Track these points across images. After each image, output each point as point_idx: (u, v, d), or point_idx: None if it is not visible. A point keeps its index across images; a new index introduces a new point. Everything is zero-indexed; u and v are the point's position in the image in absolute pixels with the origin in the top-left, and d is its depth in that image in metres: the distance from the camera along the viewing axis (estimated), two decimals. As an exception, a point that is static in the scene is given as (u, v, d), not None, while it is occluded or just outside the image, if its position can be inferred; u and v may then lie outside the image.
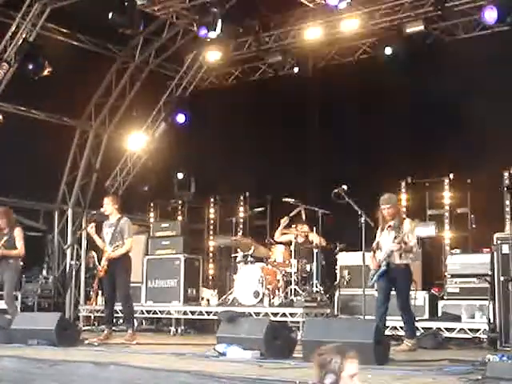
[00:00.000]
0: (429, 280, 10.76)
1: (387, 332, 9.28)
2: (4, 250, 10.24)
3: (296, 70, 13.95)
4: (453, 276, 10.34)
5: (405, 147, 12.25)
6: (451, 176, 12.42)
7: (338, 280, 11.38)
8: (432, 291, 10.66)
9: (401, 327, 9.95)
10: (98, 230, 10.39)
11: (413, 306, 9.91)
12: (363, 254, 8.98)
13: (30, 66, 12.40)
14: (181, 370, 6.10)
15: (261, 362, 6.78)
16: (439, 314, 10.27)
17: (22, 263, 10.62)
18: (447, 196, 12.55)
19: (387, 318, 9.85)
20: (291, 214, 11.94)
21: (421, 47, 12.74)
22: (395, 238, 8.66)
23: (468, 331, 9.67)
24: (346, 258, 11.35)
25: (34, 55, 12.45)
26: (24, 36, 12.53)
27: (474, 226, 12.06)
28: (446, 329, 9.76)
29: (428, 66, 12.48)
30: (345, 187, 9.08)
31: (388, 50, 12.80)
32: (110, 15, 11.62)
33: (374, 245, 8.96)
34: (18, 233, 10.48)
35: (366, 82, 12.87)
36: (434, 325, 9.86)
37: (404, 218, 8.99)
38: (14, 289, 10.68)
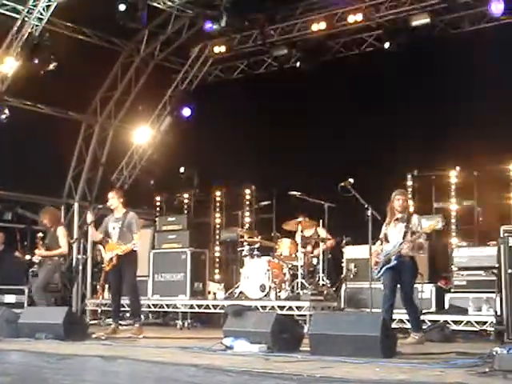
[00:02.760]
0: (435, 273, 10.76)
1: (394, 325, 9.28)
2: (44, 250, 10.49)
3: (298, 64, 13.93)
4: (460, 269, 10.33)
5: (411, 140, 12.22)
6: (458, 169, 12.40)
7: (344, 273, 11.38)
8: (439, 284, 10.66)
9: (407, 320, 9.96)
10: (99, 224, 10.42)
11: (419, 298, 9.96)
12: (370, 248, 8.98)
13: (36, 61, 12.40)
14: (189, 364, 6.09)
15: (268, 355, 6.77)
16: (446, 307, 10.27)
17: (63, 261, 10.92)
18: (453, 189, 12.52)
19: (394, 310, 9.89)
20: None
21: (426, 40, 12.72)
22: (405, 233, 8.65)
23: (475, 324, 9.67)
24: (352, 252, 11.35)
25: (40, 50, 12.44)
26: (29, 31, 12.52)
27: (480, 218, 12.05)
28: (453, 321, 9.76)
29: (433, 58, 12.44)
30: (351, 180, 9.08)
31: (392, 44, 12.77)
32: (116, 9, 11.61)
33: (382, 236, 8.97)
34: (60, 232, 10.59)
35: (372, 75, 12.86)
36: (440, 318, 9.86)
37: (412, 213, 8.99)
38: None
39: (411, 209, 10.16)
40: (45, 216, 10.89)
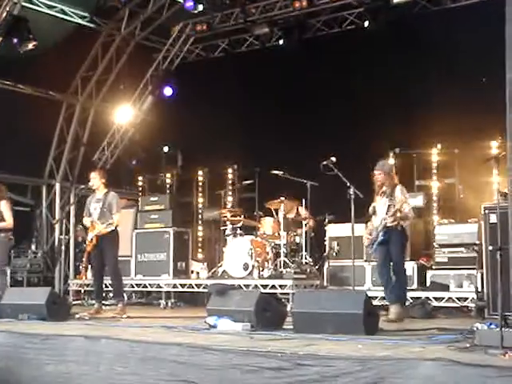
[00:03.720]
0: (417, 250, 10.82)
1: (376, 302, 9.35)
2: None
3: (281, 41, 13.90)
4: (441, 246, 10.41)
5: (392, 118, 12.24)
6: (439, 146, 12.44)
7: (327, 251, 11.44)
8: (420, 261, 10.74)
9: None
10: (83, 204, 10.38)
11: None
12: (352, 226, 9.04)
13: (15, 40, 12.27)
14: (173, 343, 6.12)
15: (252, 333, 6.81)
16: (428, 284, 10.35)
17: (11, 236, 10.47)
18: (435, 166, 12.58)
19: (376, 288, 9.99)
20: None
21: (407, 17, 12.71)
22: (389, 206, 8.66)
23: (456, 300, 9.76)
24: (334, 230, 11.40)
25: (19, 29, 12.30)
26: (8, 9, 12.37)
27: (461, 196, 12.13)
28: (435, 298, 9.85)
29: (414, 35, 12.43)
30: (333, 159, 9.10)
31: (372, 22, 12.76)
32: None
33: (371, 209, 9.01)
34: (4, 206, 10.40)
35: (353, 54, 12.86)
36: (422, 294, 9.93)
37: (396, 185, 8.93)
38: (3, 263, 10.57)
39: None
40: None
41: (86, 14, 14.29)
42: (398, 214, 8.61)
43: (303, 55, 13.58)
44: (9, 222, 10.32)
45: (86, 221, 10.09)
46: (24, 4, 12.72)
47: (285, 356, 5.38)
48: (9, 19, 12.34)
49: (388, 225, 8.67)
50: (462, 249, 10.12)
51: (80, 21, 14.25)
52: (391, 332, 7.10)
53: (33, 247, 14.89)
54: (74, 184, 15.37)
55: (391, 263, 8.84)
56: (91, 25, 14.55)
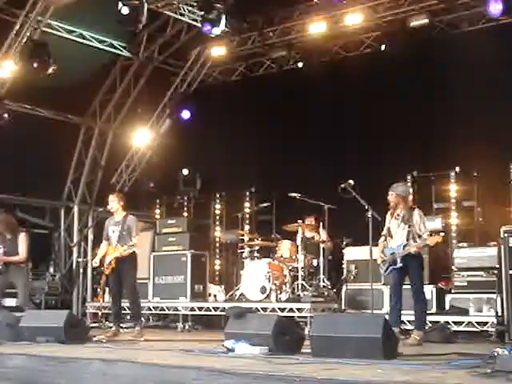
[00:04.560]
0: (436, 274, 10.73)
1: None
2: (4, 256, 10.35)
3: (300, 64, 13.94)
4: (460, 269, 10.33)
5: (411, 141, 12.23)
6: (457, 169, 12.37)
7: (344, 275, 11.38)
8: (439, 285, 10.65)
9: (409, 321, 9.96)
10: (101, 227, 10.40)
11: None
12: (370, 249, 8.98)
13: (35, 65, 12.39)
14: (191, 367, 6.08)
15: (269, 357, 6.76)
16: (447, 308, 10.26)
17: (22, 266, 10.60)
18: (453, 189, 12.49)
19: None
20: None
21: (425, 40, 12.72)
22: (408, 232, 8.68)
23: (476, 324, 9.67)
24: (352, 253, 11.35)
25: (39, 53, 12.43)
26: (28, 34, 12.52)
27: (480, 219, 12.04)
28: (454, 322, 9.76)
29: (432, 59, 12.45)
30: (351, 182, 9.08)
31: (390, 45, 12.79)
32: (118, 12, 11.62)
33: (385, 231, 8.98)
34: (22, 238, 10.51)
35: (371, 76, 12.86)
36: (441, 318, 9.85)
37: (413, 209, 8.90)
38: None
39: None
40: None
41: (105, 39, 14.42)
42: (423, 243, 8.69)
43: (321, 78, 13.60)
44: (23, 255, 10.43)
45: (102, 249, 10.09)
46: (44, 29, 12.87)
47: (303, 380, 5.32)
48: (29, 44, 12.49)
49: (412, 253, 8.67)
50: (482, 272, 10.04)
51: (99, 45, 14.38)
52: (410, 356, 7.02)
53: (51, 270, 14.94)
54: (92, 207, 15.43)
55: (402, 287, 8.87)
56: (110, 49, 14.68)
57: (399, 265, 8.74)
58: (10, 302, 12.76)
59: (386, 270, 8.92)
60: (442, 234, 9.75)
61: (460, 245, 11.05)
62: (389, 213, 9.00)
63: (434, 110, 12.32)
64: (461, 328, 9.74)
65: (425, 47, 12.63)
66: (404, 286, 8.94)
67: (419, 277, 8.87)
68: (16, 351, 7.65)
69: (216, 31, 12.42)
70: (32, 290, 13.71)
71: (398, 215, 8.83)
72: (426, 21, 12.43)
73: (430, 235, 8.80)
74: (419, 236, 8.68)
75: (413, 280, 8.82)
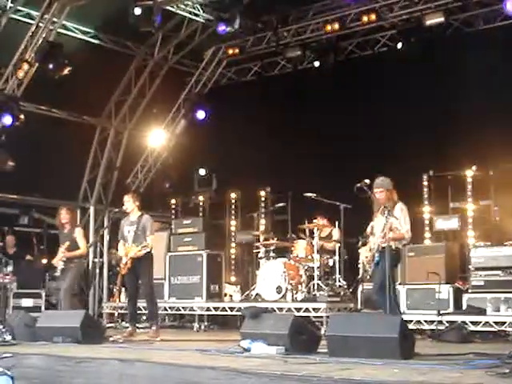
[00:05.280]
0: (453, 273, 10.67)
1: (411, 326, 9.24)
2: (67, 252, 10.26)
3: (317, 64, 13.89)
4: (477, 269, 10.25)
5: (426, 140, 12.18)
6: (474, 168, 12.29)
7: (360, 274, 11.34)
8: (456, 284, 10.59)
9: (425, 321, 9.93)
10: (116, 227, 10.44)
11: (437, 299, 9.92)
12: (387, 248, 8.90)
13: (50, 66, 12.44)
14: (207, 367, 6.09)
15: (286, 357, 6.76)
16: (464, 308, 10.20)
17: (84, 260, 10.75)
18: (470, 188, 12.41)
19: (411, 311, 9.87)
20: None
21: (440, 39, 12.67)
22: (384, 225, 8.34)
23: (493, 324, 9.60)
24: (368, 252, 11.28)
25: (54, 54, 12.49)
26: (44, 35, 12.58)
27: (497, 218, 11.96)
28: (471, 322, 9.69)
29: (448, 57, 12.40)
30: (367, 181, 9.01)
31: (405, 44, 12.74)
32: (131, 13, 11.66)
33: (368, 229, 8.79)
34: (78, 233, 10.46)
35: (386, 75, 12.81)
36: (458, 318, 9.79)
37: (396, 202, 8.61)
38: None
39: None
40: (65, 216, 10.60)
41: (120, 40, 14.46)
42: (390, 235, 8.30)
43: (335, 78, 13.58)
44: (83, 249, 10.40)
45: (120, 248, 10.10)
46: (59, 30, 12.92)
47: (320, 380, 5.32)
48: (45, 45, 12.54)
49: (383, 245, 8.37)
50: (499, 272, 9.97)
51: (114, 46, 14.43)
52: (427, 356, 7.00)
53: (67, 270, 14.95)
54: (108, 207, 15.47)
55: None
56: (125, 50, 14.72)
57: (376, 259, 8.48)
58: (26, 302, 12.87)
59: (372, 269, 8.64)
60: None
61: (477, 244, 10.97)
62: (378, 211, 8.64)
63: (449, 108, 12.26)
64: (478, 328, 9.67)
65: (440, 46, 12.58)
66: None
67: (385, 271, 8.19)
68: (33, 351, 7.70)
69: (230, 31, 12.44)
70: (48, 290, 13.79)
71: (383, 210, 8.51)
72: (442, 19, 12.38)
73: None
74: (396, 230, 8.33)
75: (379, 273, 8.40)
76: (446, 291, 10.21)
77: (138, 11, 11.77)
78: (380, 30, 13.88)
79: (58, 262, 10.31)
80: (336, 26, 13.43)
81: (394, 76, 12.63)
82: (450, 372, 5.68)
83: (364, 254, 9.04)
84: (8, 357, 7.32)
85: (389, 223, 8.29)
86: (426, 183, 12.61)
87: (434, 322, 9.83)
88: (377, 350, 6.51)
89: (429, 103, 12.40)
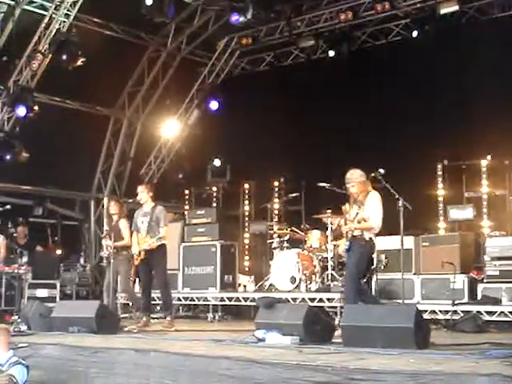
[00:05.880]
0: (468, 263, 10.61)
1: (426, 316, 9.21)
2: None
3: (332, 53, 13.81)
4: (492, 259, 10.19)
5: (441, 129, 12.10)
6: (489, 157, 12.21)
7: (375, 264, 11.29)
8: (471, 274, 10.53)
9: (440, 311, 9.89)
10: (130, 218, 10.43)
11: (452, 289, 9.87)
12: (401, 238, 8.91)
13: (64, 57, 12.47)
14: (222, 357, 6.11)
15: (301, 347, 6.76)
16: (479, 298, 10.15)
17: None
18: (485, 178, 12.34)
19: (425, 301, 9.82)
20: None
21: (455, 27, 12.58)
22: (357, 214, 8.21)
23: (508, 314, 9.53)
24: (382, 243, 11.23)
25: (68, 46, 12.51)
26: (57, 27, 12.60)
27: (513, 207, 11.89)
28: (486, 312, 9.63)
29: (462, 46, 12.31)
30: (382, 171, 8.95)
31: (420, 32, 12.67)
32: (143, 3, 11.65)
33: (342, 221, 8.63)
34: (123, 224, 10.42)
35: (400, 65, 12.75)
36: (473, 308, 9.73)
37: (369, 192, 8.42)
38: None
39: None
40: (113, 207, 10.60)
41: (132, 30, 14.46)
42: (355, 225, 8.20)
43: (349, 67, 13.51)
44: (127, 240, 10.32)
45: (134, 239, 10.09)
46: (73, 22, 12.92)
47: (335, 370, 5.32)
48: (58, 36, 12.56)
49: (354, 233, 8.26)
50: (515, 261, 9.91)
51: (127, 36, 14.42)
52: (442, 346, 6.97)
53: (81, 261, 15.03)
54: (122, 198, 15.49)
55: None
56: (138, 40, 14.72)
57: (346, 247, 8.32)
58: (41, 292, 12.92)
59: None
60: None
61: (492, 234, 10.91)
62: (350, 203, 8.50)
63: (464, 97, 12.18)
64: (493, 318, 9.61)
65: (454, 34, 12.49)
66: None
67: (353, 263, 8.18)
68: (49, 341, 7.74)
69: (243, 21, 12.40)
70: (63, 280, 13.86)
71: (357, 200, 8.38)
72: (456, 7, 12.30)
73: None
74: (364, 220, 8.15)
75: (347, 264, 8.34)
76: (460, 281, 10.15)
77: (149, 1, 11.75)
78: (394, 19, 13.79)
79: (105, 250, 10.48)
80: (349, 15, 13.36)
81: (407, 65, 12.56)
82: (465, 362, 5.66)
83: (342, 247, 8.90)
84: (24, 347, 7.37)
85: (359, 216, 8.17)
86: (440, 172, 12.55)
87: (449, 311, 9.78)
88: (392, 340, 6.50)
89: (443, 92, 12.32)
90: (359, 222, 8.17)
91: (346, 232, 8.37)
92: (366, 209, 8.19)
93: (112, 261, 10.13)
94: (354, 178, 8.45)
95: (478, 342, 7.27)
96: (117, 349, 6.98)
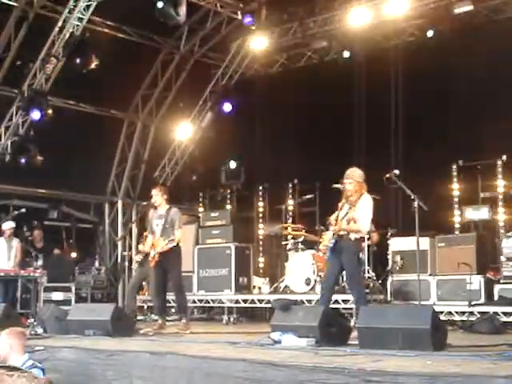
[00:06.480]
0: (484, 264, 10.55)
1: (443, 317, 9.16)
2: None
3: (347, 54, 13.74)
4: (509, 259, 10.14)
5: (456, 130, 12.05)
6: (504, 158, 12.13)
7: (390, 266, 11.27)
8: (488, 275, 10.47)
9: (456, 312, 9.84)
10: (144, 221, 10.43)
11: (468, 290, 9.82)
12: (417, 239, 8.86)
13: (78, 60, 12.49)
14: (238, 359, 6.08)
15: (317, 349, 6.74)
16: (496, 298, 10.09)
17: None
18: (500, 178, 12.26)
19: (441, 302, 9.77)
20: None
21: (469, 27, 12.51)
22: (346, 214, 8.21)
23: (526, 315, 9.49)
24: (398, 244, 11.22)
25: (81, 49, 12.53)
26: (71, 30, 12.63)
27: (528, 207, 11.81)
28: (503, 313, 9.58)
29: (477, 46, 12.23)
30: (396, 171, 8.93)
31: (433, 32, 12.61)
32: (155, 6, 11.65)
33: (332, 218, 8.48)
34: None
35: (414, 65, 12.70)
36: (490, 309, 9.68)
37: (362, 194, 8.43)
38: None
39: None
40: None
41: (146, 33, 14.48)
42: (344, 225, 8.18)
43: (363, 68, 13.47)
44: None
45: (148, 242, 10.04)
46: (86, 25, 12.96)
47: (352, 372, 5.29)
48: (71, 40, 12.59)
49: (341, 233, 8.22)
50: (531, 262, 9.85)
51: (140, 39, 14.45)
52: (459, 348, 6.92)
53: (96, 264, 15.08)
54: (136, 201, 15.53)
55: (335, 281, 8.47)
56: (151, 43, 14.75)
57: (330, 245, 8.24)
58: (57, 295, 12.98)
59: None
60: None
61: (508, 234, 10.83)
62: (343, 201, 8.48)
63: (479, 97, 12.10)
64: (510, 319, 9.56)
65: (469, 34, 12.42)
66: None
67: (354, 263, 8.23)
68: (64, 344, 7.75)
69: (256, 23, 12.39)
70: (78, 283, 13.90)
71: (348, 200, 8.38)
72: (471, 7, 12.23)
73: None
74: (354, 221, 8.15)
75: (345, 265, 8.25)
76: (477, 282, 10.11)
77: (160, 4, 11.75)
78: (408, 19, 13.70)
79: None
80: (363, 15, 13.27)
81: (421, 66, 12.50)
82: (483, 363, 5.61)
83: (325, 242, 8.78)
84: (40, 350, 7.38)
85: (349, 215, 8.18)
86: (455, 173, 12.47)
87: (465, 313, 9.74)
88: (408, 342, 6.45)
89: (458, 92, 12.25)
90: (348, 222, 8.17)
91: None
92: (357, 209, 8.22)
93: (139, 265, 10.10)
94: (354, 175, 8.52)
95: (496, 343, 7.22)
96: (133, 352, 6.98)
